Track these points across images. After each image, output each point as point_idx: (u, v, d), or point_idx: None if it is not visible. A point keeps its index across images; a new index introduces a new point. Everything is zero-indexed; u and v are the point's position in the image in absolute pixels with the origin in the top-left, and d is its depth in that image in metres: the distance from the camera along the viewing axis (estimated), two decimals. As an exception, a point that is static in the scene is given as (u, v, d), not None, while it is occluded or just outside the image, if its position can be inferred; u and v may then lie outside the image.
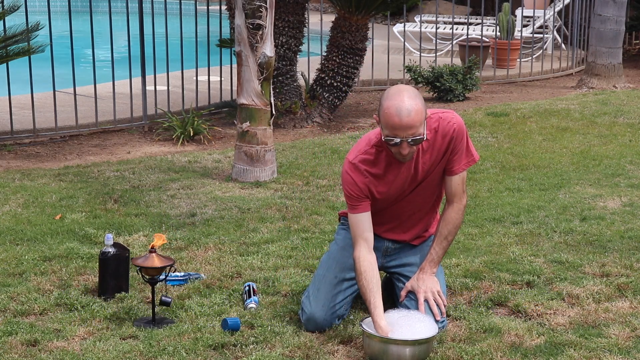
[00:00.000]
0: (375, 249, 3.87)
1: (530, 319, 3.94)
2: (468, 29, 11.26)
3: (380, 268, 3.98)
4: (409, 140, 3.55)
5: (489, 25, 12.75)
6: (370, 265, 3.69)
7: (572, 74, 11.52)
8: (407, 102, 3.52)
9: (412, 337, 3.51)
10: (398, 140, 3.55)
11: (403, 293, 3.87)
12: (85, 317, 3.94)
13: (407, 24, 12.37)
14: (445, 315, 3.80)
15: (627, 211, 5.51)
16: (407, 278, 3.92)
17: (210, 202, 5.74)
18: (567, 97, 9.64)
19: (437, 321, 3.71)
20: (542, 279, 4.37)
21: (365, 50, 8.72)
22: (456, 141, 3.73)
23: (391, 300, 4.01)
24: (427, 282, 3.81)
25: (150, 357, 3.58)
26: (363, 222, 3.73)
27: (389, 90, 3.62)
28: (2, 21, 7.24)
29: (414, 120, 3.51)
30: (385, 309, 3.67)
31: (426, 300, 3.78)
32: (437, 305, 3.78)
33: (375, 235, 3.86)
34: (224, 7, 8.93)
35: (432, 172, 3.78)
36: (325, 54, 8.75)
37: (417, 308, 3.76)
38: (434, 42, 11.53)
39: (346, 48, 8.46)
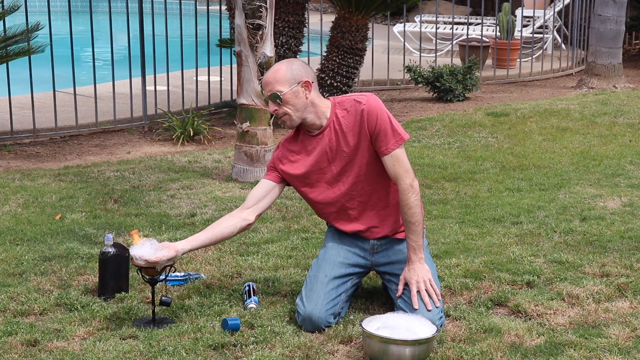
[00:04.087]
0: (364, 249, 4.01)
1: (530, 319, 3.94)
2: (468, 29, 11.26)
3: (371, 266, 4.05)
4: (268, 96, 3.88)
5: (489, 25, 12.76)
6: (225, 219, 4.01)
7: (572, 74, 11.52)
8: (275, 65, 3.93)
9: (412, 337, 3.52)
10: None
11: (400, 287, 3.89)
12: (85, 317, 3.93)
13: (407, 24, 12.37)
14: (438, 305, 3.81)
15: (627, 211, 5.51)
16: (395, 276, 3.97)
17: (210, 202, 5.74)
18: (567, 97, 9.64)
19: (429, 311, 3.74)
20: (542, 279, 4.37)
21: (365, 50, 8.72)
22: (369, 121, 3.82)
23: (390, 302, 4.01)
24: (418, 272, 3.85)
25: (150, 357, 3.58)
26: (258, 187, 4.05)
27: None
28: (2, 21, 7.24)
29: (269, 77, 3.89)
30: (384, 312, 3.76)
31: (419, 292, 3.81)
32: (429, 294, 3.81)
33: (362, 238, 4.01)
34: (224, 7, 8.93)
35: (359, 150, 3.87)
36: (325, 54, 8.75)
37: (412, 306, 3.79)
38: (434, 42, 11.53)
39: (346, 48, 8.46)
